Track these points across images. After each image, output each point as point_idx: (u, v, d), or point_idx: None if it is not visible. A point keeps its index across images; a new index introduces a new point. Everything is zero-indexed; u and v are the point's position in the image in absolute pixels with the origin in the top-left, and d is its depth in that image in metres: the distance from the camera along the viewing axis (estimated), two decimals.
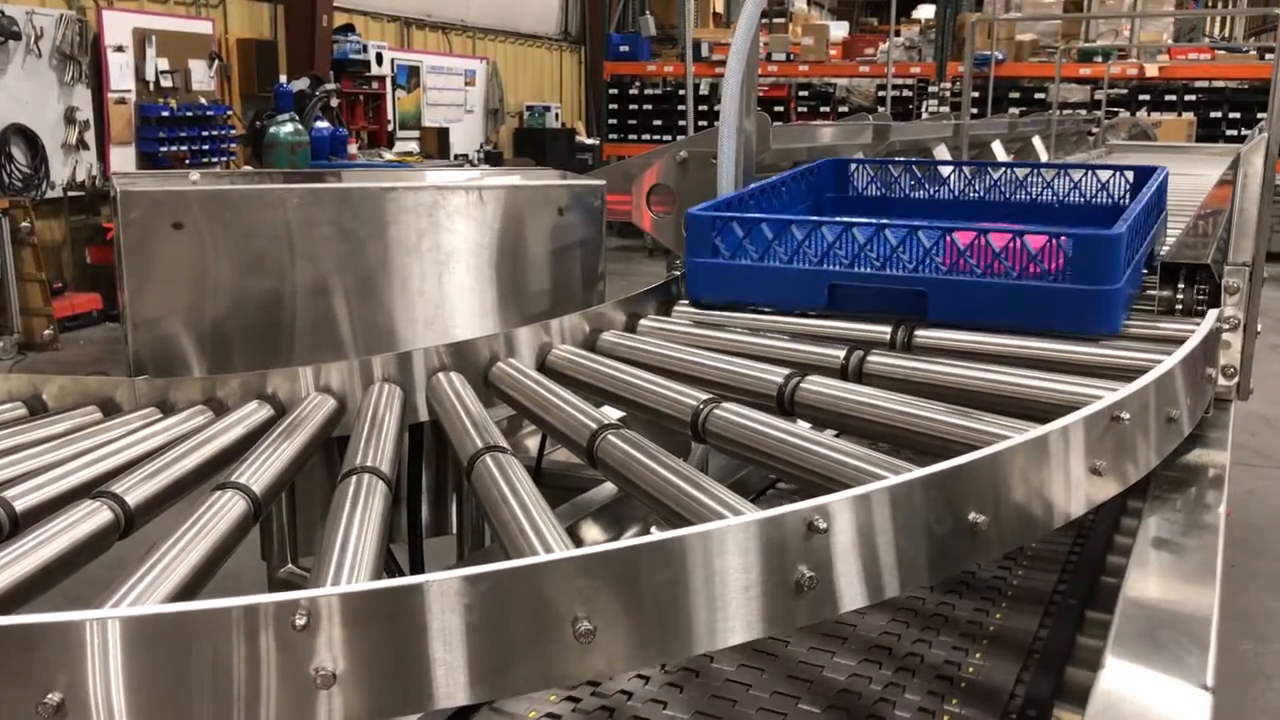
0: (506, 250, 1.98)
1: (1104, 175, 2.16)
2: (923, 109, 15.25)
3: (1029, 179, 2.21)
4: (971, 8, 16.48)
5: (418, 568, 1.92)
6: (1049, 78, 14.79)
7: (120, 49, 10.39)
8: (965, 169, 2.30)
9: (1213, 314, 1.53)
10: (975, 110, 8.51)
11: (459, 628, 0.84)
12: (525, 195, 2.00)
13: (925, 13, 17.49)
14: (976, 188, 2.25)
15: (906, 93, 15.53)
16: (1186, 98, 14.56)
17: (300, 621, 0.80)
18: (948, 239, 1.60)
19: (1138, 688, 0.85)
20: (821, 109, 15.79)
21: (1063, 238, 1.52)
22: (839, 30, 17.94)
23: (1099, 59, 14.71)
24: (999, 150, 4.77)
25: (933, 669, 1.53)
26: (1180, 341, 1.40)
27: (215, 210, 1.71)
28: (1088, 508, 1.17)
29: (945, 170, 2.33)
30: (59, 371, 2.04)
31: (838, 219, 1.75)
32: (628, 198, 2.49)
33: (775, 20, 17.43)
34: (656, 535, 0.87)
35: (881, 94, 15.92)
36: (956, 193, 2.26)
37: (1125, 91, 14.53)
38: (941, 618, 1.68)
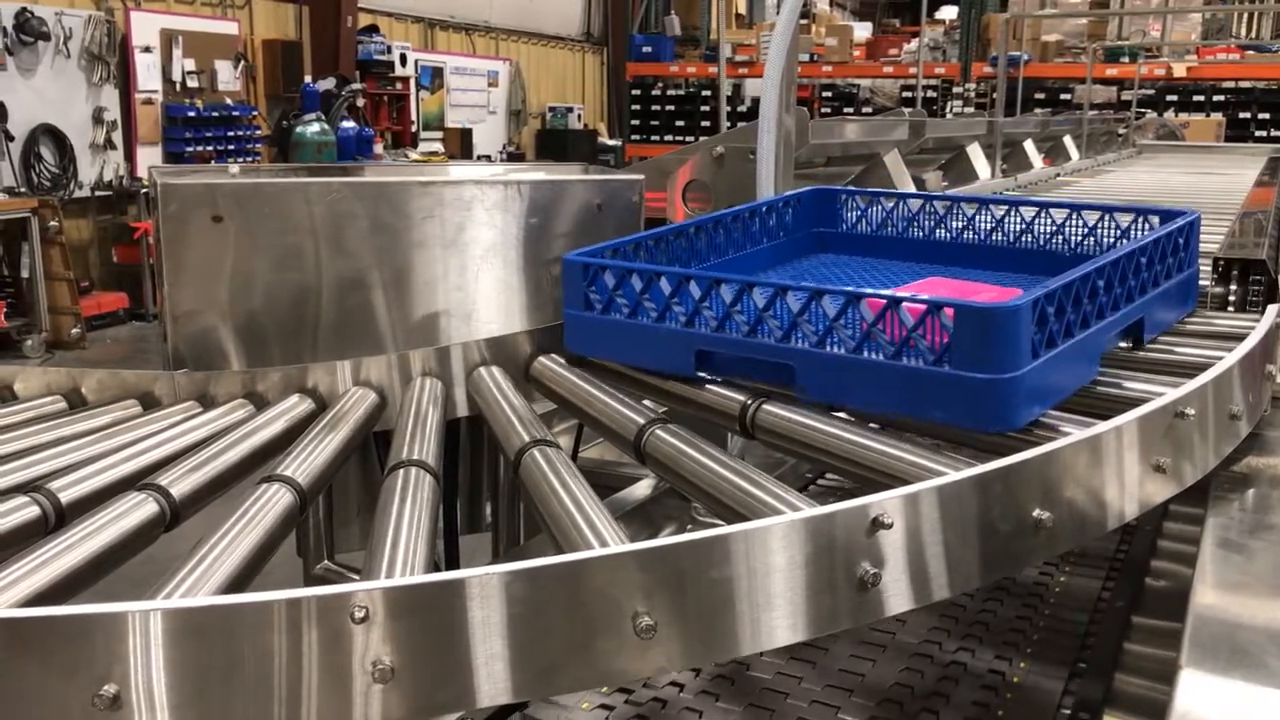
0: (543, 245, 1.96)
1: (1124, 219, 1.64)
2: (947, 109, 15.17)
3: (1037, 221, 1.71)
4: (996, 8, 16.40)
5: (453, 564, 1.91)
6: (1074, 78, 14.71)
7: (147, 49, 10.47)
8: (964, 205, 1.79)
9: (1273, 309, 1.49)
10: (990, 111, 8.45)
11: (519, 622, 0.82)
12: (563, 190, 1.99)
13: (948, 13, 17.41)
14: (976, 227, 1.76)
15: (930, 93, 15.46)
16: (1215, 98, 14.43)
17: (359, 614, 0.79)
18: (819, 305, 1.26)
19: (1222, 697, 0.82)
20: (845, 110, 15.73)
21: (947, 309, 1.15)
22: (862, 31, 17.89)
23: (1125, 59, 14.60)
24: (1031, 150, 4.72)
25: (977, 677, 1.50)
26: (1238, 338, 1.37)
27: (255, 203, 1.70)
28: (1150, 506, 1.15)
29: (941, 206, 1.82)
30: None
31: (706, 272, 1.41)
32: (663, 194, 2.48)
33: (800, 21, 17.37)
34: (722, 529, 0.85)
35: (906, 94, 15.87)
36: (954, 232, 1.79)
37: (1152, 92, 14.42)
38: (983, 625, 1.66)
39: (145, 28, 10.48)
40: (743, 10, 19.42)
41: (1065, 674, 1.51)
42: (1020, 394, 1.15)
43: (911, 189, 3.31)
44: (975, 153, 3.98)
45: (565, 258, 1.49)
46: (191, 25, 10.98)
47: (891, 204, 1.85)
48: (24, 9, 9.17)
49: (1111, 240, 1.64)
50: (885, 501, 0.91)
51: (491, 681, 0.83)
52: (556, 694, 1.25)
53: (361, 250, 1.81)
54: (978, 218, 1.76)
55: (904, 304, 1.18)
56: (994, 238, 1.74)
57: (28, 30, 9.17)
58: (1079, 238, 1.65)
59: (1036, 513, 1.00)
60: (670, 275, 1.39)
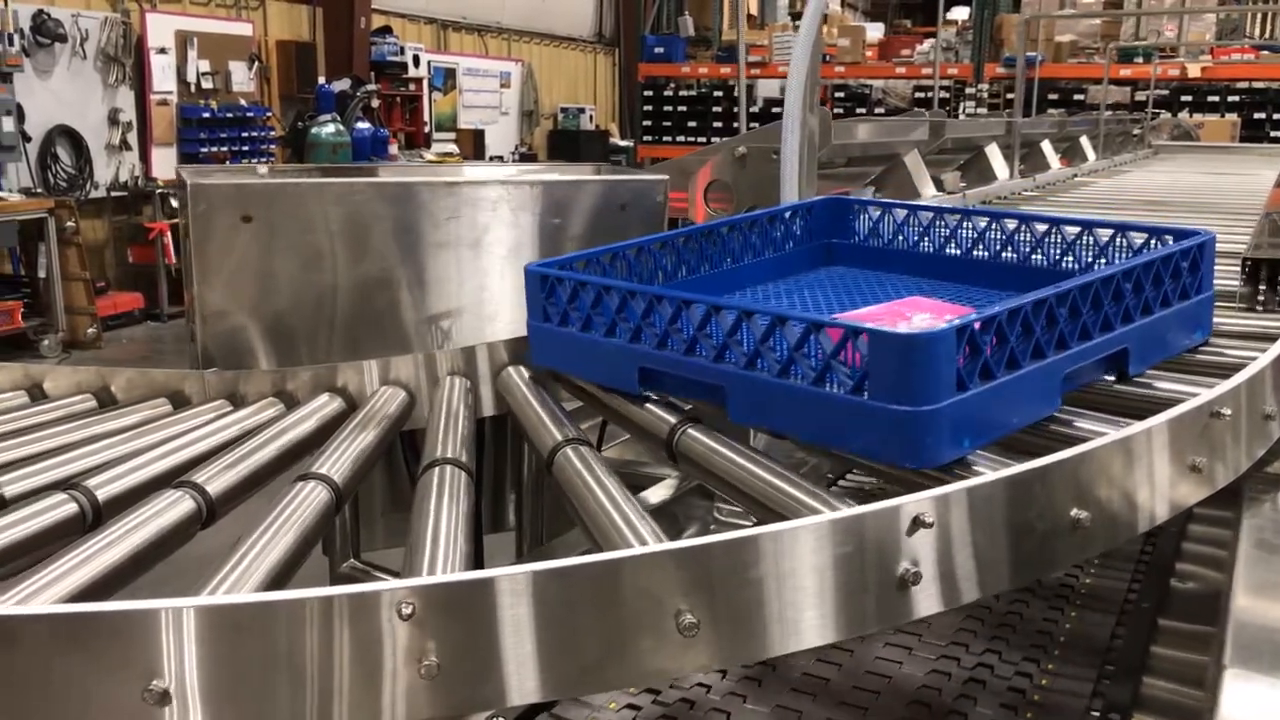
0: (569, 245, 1.97)
1: (1137, 238, 1.53)
2: (960, 110, 15.14)
3: (1048, 237, 1.60)
4: (1008, 9, 16.36)
5: (478, 564, 1.92)
6: (1087, 79, 14.66)
7: (163, 51, 10.51)
8: (976, 219, 1.68)
9: None
10: (1009, 111, 8.42)
11: (562, 619, 0.82)
12: (587, 191, 1.99)
13: (960, 14, 17.37)
14: (987, 242, 1.65)
15: (943, 94, 15.42)
16: (1229, 98, 14.37)
17: (406, 610, 0.79)
18: (748, 325, 1.20)
19: (1267, 698, 0.82)
20: (858, 110, 15.71)
21: (864, 335, 1.07)
22: (874, 32, 17.85)
23: (1139, 59, 14.54)
24: (1049, 150, 4.71)
25: (1004, 679, 1.50)
26: (1271, 338, 1.37)
27: (283, 203, 1.71)
28: (1184, 507, 1.15)
29: (952, 220, 1.70)
30: None
31: (649, 288, 1.35)
32: (684, 194, 2.48)
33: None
34: (765, 528, 0.86)
35: (919, 95, 15.84)
36: (965, 248, 1.67)
37: (1166, 92, 14.36)
38: (1009, 627, 1.65)
39: (161, 29, 10.52)
40: (754, 11, 19.40)
41: (1093, 675, 1.51)
42: (941, 429, 1.07)
43: (931, 189, 3.31)
44: (993, 153, 3.97)
45: (526, 267, 1.45)
46: (206, 26, 11.02)
47: (903, 216, 1.75)
48: (41, 11, 9.22)
49: (1125, 259, 1.51)
50: (925, 500, 0.91)
51: (534, 678, 0.84)
52: (598, 691, 1.26)
53: (387, 250, 1.82)
54: (989, 233, 1.65)
55: (826, 328, 1.12)
56: (1005, 255, 1.64)
57: (44, 32, 9.22)
58: (1090, 256, 1.56)
59: (1074, 512, 1.00)
60: (617, 289, 1.33)
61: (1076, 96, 14.58)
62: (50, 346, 8.60)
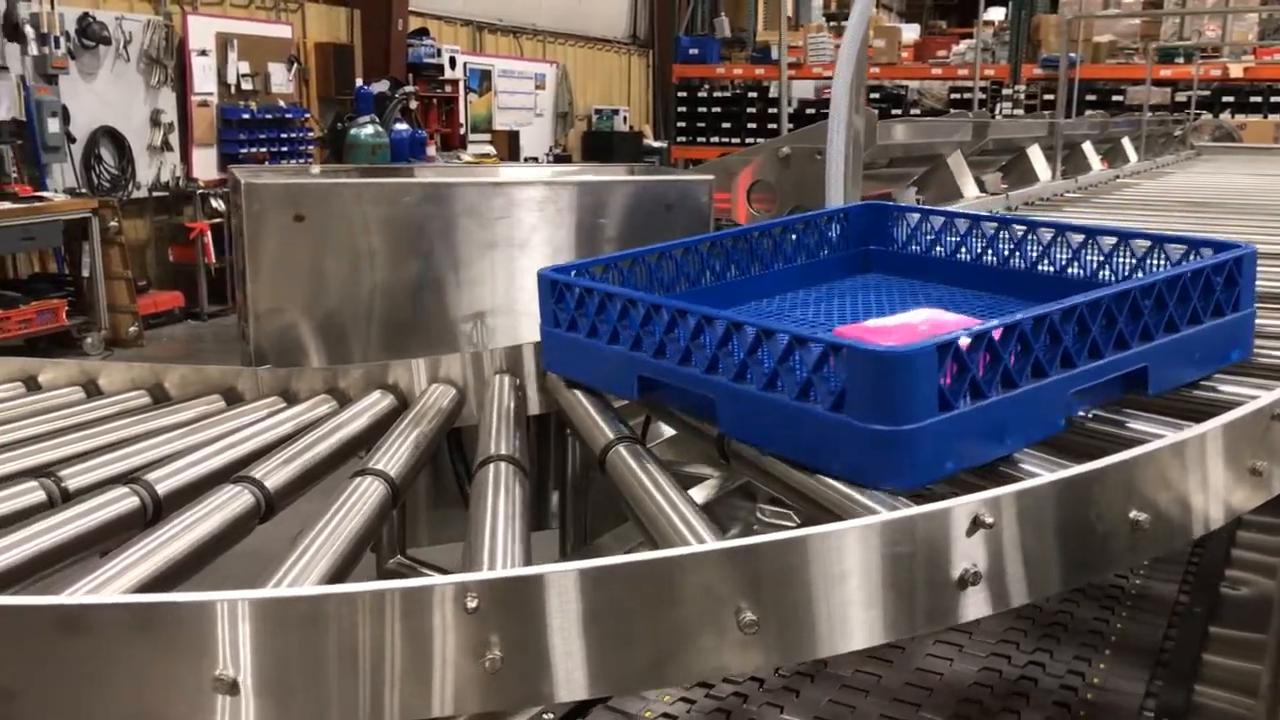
0: (613, 246, 1.98)
1: (1175, 250, 1.43)
2: (997, 112, 15.02)
3: (1085, 249, 1.51)
4: (1045, 9, 16.22)
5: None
6: (1126, 79, 14.51)
7: (204, 53, 10.65)
8: (1014, 228, 1.59)
9: None
10: (1050, 112, 8.34)
11: (625, 615, 0.83)
12: (634, 191, 2.00)
13: (996, 14, 17.25)
14: (1024, 253, 1.57)
15: (979, 95, 15.32)
16: (1272, 99, 14.16)
17: (471, 604, 0.80)
18: (738, 336, 1.15)
19: None
20: (893, 111, 15.63)
21: (845, 349, 1.03)
22: (910, 33, 17.77)
23: (1180, 60, 14.37)
24: (1090, 151, 4.67)
25: (1056, 678, 1.50)
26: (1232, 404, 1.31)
27: (335, 203, 1.73)
28: (1242, 511, 1.14)
29: (989, 228, 1.60)
30: None
31: (648, 296, 1.30)
32: (726, 195, 2.49)
33: (845, 23, 17.31)
34: (826, 526, 0.86)
35: (954, 96, 15.74)
36: (1000, 257, 1.59)
37: (1207, 93, 14.18)
38: (1061, 626, 1.65)
39: (202, 31, 10.65)
40: (790, 12, 19.36)
41: (1146, 676, 1.50)
42: (919, 450, 1.02)
43: (974, 190, 3.29)
44: (1035, 155, 3.94)
45: (539, 272, 1.43)
46: (246, 29, 11.14)
47: (940, 223, 1.67)
48: (86, 14, 9.36)
49: (1159, 271, 1.42)
50: (987, 500, 0.91)
51: (594, 673, 0.84)
52: (659, 687, 1.27)
53: (435, 249, 1.83)
54: (1025, 243, 1.57)
55: (809, 342, 1.07)
56: (1042, 266, 1.56)
57: (90, 35, 9.37)
58: (1127, 269, 1.48)
59: (1134, 514, 0.99)
60: (619, 296, 1.30)
61: (1115, 97, 14.43)
62: (93, 344, 8.72)
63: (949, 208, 1.93)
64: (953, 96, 15.76)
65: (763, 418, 1.14)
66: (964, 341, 1.05)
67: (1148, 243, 1.47)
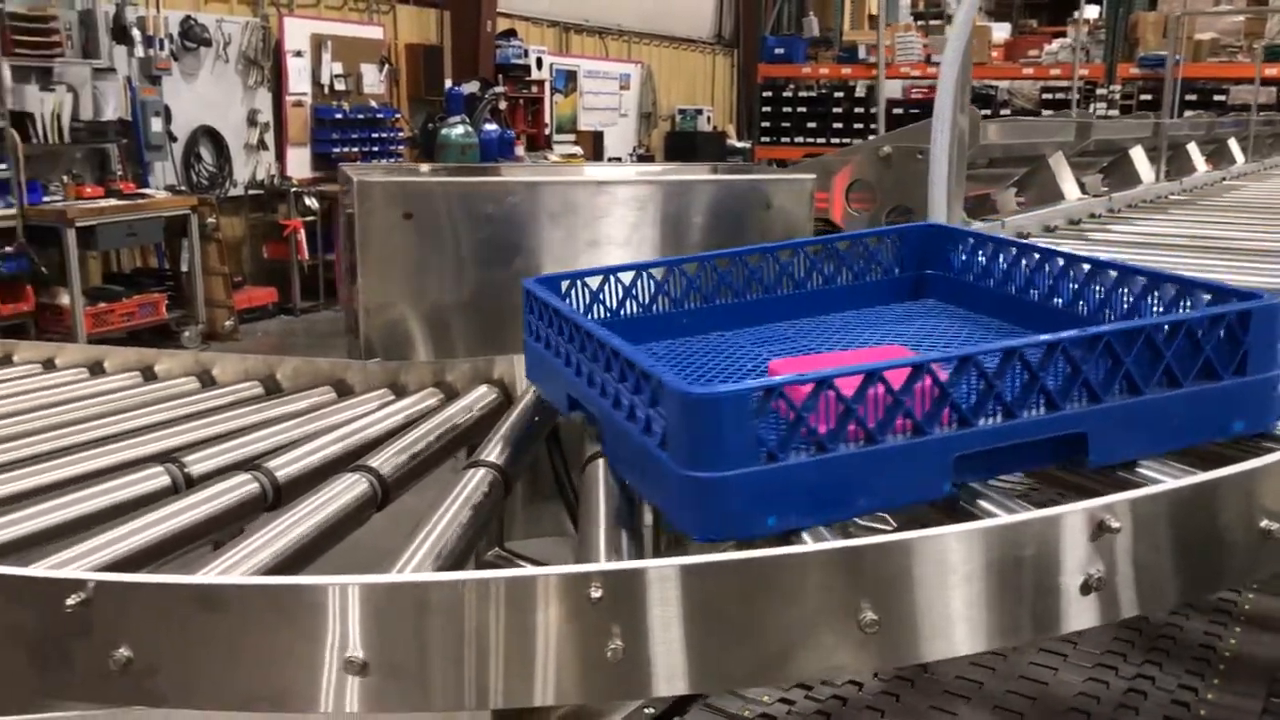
0: (712, 244, 1.98)
1: (1207, 296, 1.17)
2: (1091, 112, 14.65)
3: (1145, 294, 1.25)
4: (1144, 7, 15.77)
5: None
6: (1228, 79, 14.03)
7: (298, 54, 10.90)
8: (1055, 260, 1.37)
9: None
10: (1153, 113, 8.12)
11: (746, 610, 0.83)
12: (734, 189, 2.00)
13: (1090, 12, 16.82)
14: (1062, 290, 1.35)
15: (1073, 94, 14.97)
16: None
17: (595, 594, 0.82)
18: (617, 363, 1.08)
19: None
20: (982, 112, 15.34)
21: (664, 387, 0.96)
22: (1000, 32, 17.41)
23: None
24: (1194, 152, 4.53)
25: (1166, 692, 1.46)
26: None
27: (443, 201, 1.76)
28: None
29: (1060, 262, 1.35)
30: None
31: (578, 317, 1.22)
32: (824, 195, 2.47)
33: (933, 22, 17.06)
34: (947, 528, 0.85)
35: (1046, 96, 15.40)
36: (1043, 292, 1.38)
37: None
38: (1169, 639, 1.61)
39: (297, 33, 10.90)
40: (875, 11, 19.14)
41: (1261, 694, 1.46)
42: (728, 502, 0.93)
43: (1075, 192, 3.22)
44: (1138, 156, 3.84)
45: (523, 282, 1.37)
46: (339, 30, 11.38)
47: (989, 251, 1.47)
48: (189, 16, 9.66)
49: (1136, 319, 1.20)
50: (1112, 505, 0.90)
51: (712, 667, 0.85)
52: (777, 685, 1.27)
53: (539, 247, 1.86)
54: (1063, 279, 1.35)
55: (650, 376, 1.00)
56: (1077, 306, 1.34)
57: (191, 37, 9.66)
58: (1125, 308, 1.27)
59: (1265, 523, 0.96)
60: (562, 313, 1.24)
61: (1216, 97, 13.97)
62: (190, 338, 9.00)
63: (1010, 235, 1.74)
64: (1044, 97, 15.41)
65: (622, 447, 1.09)
66: (801, 388, 0.94)
67: (1176, 287, 1.22)
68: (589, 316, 1.36)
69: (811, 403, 0.94)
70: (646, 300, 1.42)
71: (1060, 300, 1.35)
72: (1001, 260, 1.45)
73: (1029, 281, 1.40)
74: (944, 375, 0.99)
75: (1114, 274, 1.29)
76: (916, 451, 0.98)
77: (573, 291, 1.39)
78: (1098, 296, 1.31)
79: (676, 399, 0.94)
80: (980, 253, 1.48)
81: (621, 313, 1.41)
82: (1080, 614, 0.90)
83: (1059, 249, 1.41)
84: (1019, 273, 1.41)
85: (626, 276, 1.41)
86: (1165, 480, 1.01)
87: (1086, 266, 1.33)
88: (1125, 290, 1.28)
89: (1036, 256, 1.40)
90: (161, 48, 9.29)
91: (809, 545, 0.91)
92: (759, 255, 1.47)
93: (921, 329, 1.42)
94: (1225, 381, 1.09)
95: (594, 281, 1.41)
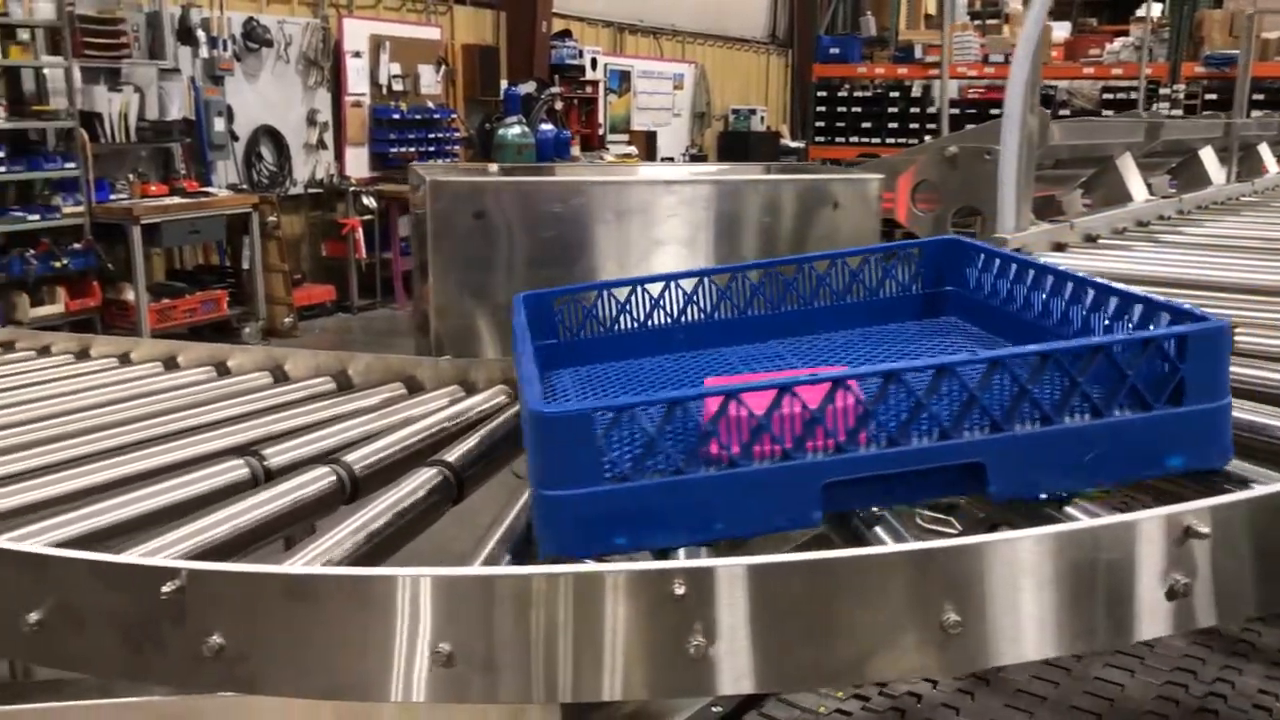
0: (778, 243, 1.98)
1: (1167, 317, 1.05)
2: (1157, 113, 14.38)
3: (1119, 315, 1.14)
4: (1209, 5, 15.46)
5: None
6: None
7: (357, 54, 11.03)
8: (1045, 278, 1.26)
9: None
10: (1225, 113, 7.94)
11: (833, 608, 0.84)
12: (800, 189, 2.00)
13: (1153, 10, 16.51)
14: (1071, 318, 1.22)
15: (1133, 95, 14.70)
16: None
17: (679, 590, 0.82)
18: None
19: None
20: None
21: (527, 404, 0.99)
22: (1060, 31, 17.14)
23: None
24: (1267, 153, 4.44)
25: (1246, 696, 1.44)
26: None
27: (512, 201, 1.78)
28: None
29: (1069, 287, 1.21)
30: None
31: (527, 334, 1.23)
32: (889, 195, 2.46)
33: (989, 21, 16.85)
34: (1031, 530, 0.85)
35: (1107, 96, 15.15)
36: (1057, 317, 1.25)
37: None
38: (1248, 644, 1.58)
39: (356, 33, 11.04)
40: (932, 10, 18.95)
41: None
42: (565, 519, 0.93)
43: (1143, 193, 3.17)
44: (1208, 156, 3.77)
45: (514, 298, 1.39)
46: (397, 31, 11.50)
47: (996, 270, 1.37)
48: (251, 18, 9.83)
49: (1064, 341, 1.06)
50: (1199, 510, 0.88)
51: (797, 666, 0.86)
52: (866, 682, 1.27)
53: (607, 246, 1.87)
54: (1054, 298, 1.25)
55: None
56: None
57: (254, 37, 9.83)
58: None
59: None
60: (519, 326, 1.25)
61: None
62: (251, 334, 9.15)
63: (1026, 255, 1.60)
64: (1105, 97, 15.15)
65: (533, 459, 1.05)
66: (645, 410, 0.93)
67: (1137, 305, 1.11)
68: (582, 333, 1.39)
69: (667, 424, 0.93)
70: (642, 316, 1.40)
71: (1071, 329, 1.22)
72: (1011, 279, 1.35)
73: (1045, 306, 1.28)
74: (816, 400, 0.94)
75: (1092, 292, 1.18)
76: (780, 477, 0.95)
77: (565, 308, 1.39)
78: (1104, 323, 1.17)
79: (530, 418, 0.96)
80: (992, 270, 1.39)
81: (616, 328, 1.40)
82: (1167, 618, 0.89)
83: (1068, 269, 1.26)
84: (1037, 297, 1.29)
85: (621, 293, 1.39)
86: (1259, 485, 0.99)
87: (1091, 291, 1.20)
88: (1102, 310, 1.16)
89: (1051, 279, 1.27)
90: (225, 49, 9.47)
91: (903, 546, 0.91)
92: (760, 271, 1.43)
93: (921, 350, 1.35)
94: (1157, 411, 0.99)
95: (588, 298, 1.40)
